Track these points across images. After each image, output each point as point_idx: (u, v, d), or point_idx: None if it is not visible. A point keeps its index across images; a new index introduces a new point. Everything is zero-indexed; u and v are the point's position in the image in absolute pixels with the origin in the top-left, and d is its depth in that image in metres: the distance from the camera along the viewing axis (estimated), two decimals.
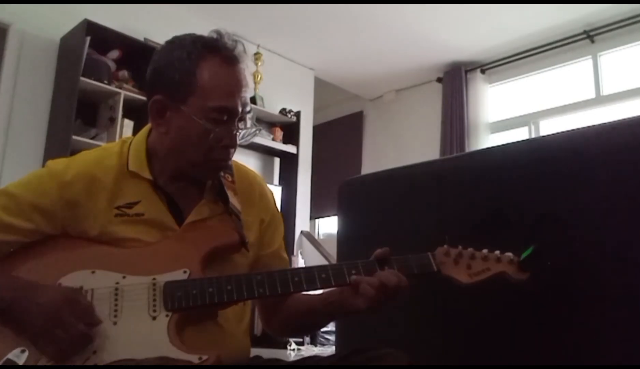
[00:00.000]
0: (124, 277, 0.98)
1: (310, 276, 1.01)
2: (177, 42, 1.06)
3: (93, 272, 0.98)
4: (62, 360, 0.90)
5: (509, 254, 1.06)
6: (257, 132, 1.16)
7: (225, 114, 1.02)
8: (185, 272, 0.99)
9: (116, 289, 0.96)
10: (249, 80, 1.11)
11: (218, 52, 1.03)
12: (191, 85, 1.01)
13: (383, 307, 1.01)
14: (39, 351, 0.91)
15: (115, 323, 0.94)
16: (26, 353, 0.90)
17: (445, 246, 1.07)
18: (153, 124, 1.08)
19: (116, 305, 0.95)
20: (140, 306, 0.95)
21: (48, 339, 0.90)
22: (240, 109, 1.04)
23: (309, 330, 1.12)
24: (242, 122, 1.07)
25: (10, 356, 0.89)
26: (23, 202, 1.00)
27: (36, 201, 1.01)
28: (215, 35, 1.05)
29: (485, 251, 1.07)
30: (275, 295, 1.02)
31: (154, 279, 0.98)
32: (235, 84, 1.04)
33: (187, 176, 1.08)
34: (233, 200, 1.11)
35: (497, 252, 1.07)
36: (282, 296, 1.13)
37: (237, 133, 1.05)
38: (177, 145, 1.04)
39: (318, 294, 1.12)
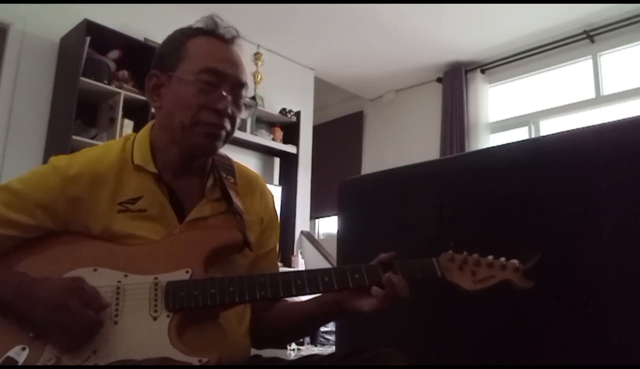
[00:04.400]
0: (125, 276, 0.97)
1: (313, 279, 1.00)
2: (178, 30, 1.12)
3: (95, 270, 0.97)
4: (77, 348, 0.90)
5: (515, 261, 1.04)
6: (255, 107, 1.20)
7: (216, 76, 1.05)
8: (187, 272, 0.99)
9: (118, 288, 0.96)
10: (249, 77, 1.13)
11: (211, 33, 1.09)
12: (181, 54, 1.06)
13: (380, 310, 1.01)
14: (49, 344, 0.90)
15: (116, 323, 0.93)
16: (27, 351, 0.89)
17: (450, 252, 1.05)
18: (149, 101, 1.11)
19: (117, 304, 0.95)
20: (142, 305, 0.95)
21: (59, 330, 0.90)
22: (231, 73, 1.06)
23: (301, 335, 1.11)
24: (240, 99, 1.09)
25: (10, 353, 0.88)
26: (25, 198, 1.00)
27: (39, 196, 1.00)
28: (210, 20, 1.10)
29: (490, 257, 1.05)
30: (277, 298, 1.01)
31: (155, 278, 0.97)
32: (226, 55, 1.08)
33: (189, 163, 1.09)
34: (236, 200, 1.11)
35: (503, 259, 1.05)
36: (283, 299, 1.13)
37: (229, 98, 1.06)
38: (169, 112, 1.06)
39: (310, 297, 1.12)
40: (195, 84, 1.03)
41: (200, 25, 1.10)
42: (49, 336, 0.91)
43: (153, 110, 1.13)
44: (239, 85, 1.08)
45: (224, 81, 1.05)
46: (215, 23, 1.09)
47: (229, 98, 1.06)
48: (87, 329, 0.90)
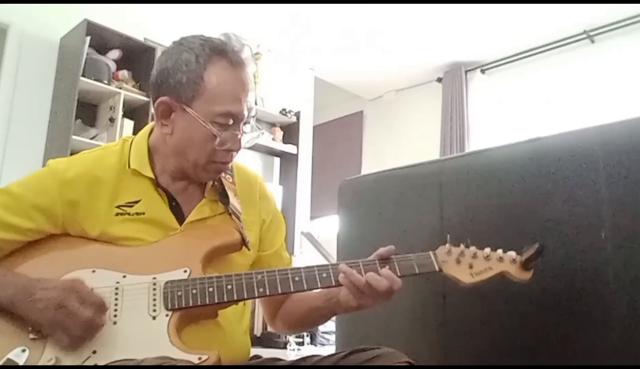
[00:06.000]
0: (124, 276, 0.98)
1: (311, 275, 1.02)
2: (185, 44, 1.06)
3: (93, 271, 0.98)
4: (77, 347, 0.90)
5: (512, 253, 1.05)
6: (260, 135, 1.19)
7: (231, 118, 1.04)
8: (185, 271, 0.99)
9: (116, 288, 0.97)
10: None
11: (225, 55, 1.04)
12: (198, 89, 1.02)
13: (375, 305, 1.02)
14: (49, 344, 0.90)
15: (115, 323, 0.94)
16: (27, 353, 0.90)
17: (447, 245, 1.06)
18: (158, 125, 1.08)
19: (116, 304, 0.95)
20: (141, 305, 0.95)
21: (59, 329, 0.90)
22: (245, 114, 1.06)
23: (313, 325, 1.15)
24: (247, 126, 1.08)
25: (10, 355, 0.89)
26: (24, 201, 1.00)
27: (37, 199, 1.01)
28: (223, 39, 1.06)
29: (487, 249, 1.06)
30: (276, 294, 1.02)
31: (154, 278, 0.98)
32: (241, 89, 1.05)
33: (188, 175, 1.08)
34: (233, 200, 1.12)
35: (500, 251, 1.06)
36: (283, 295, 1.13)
37: (241, 137, 1.07)
38: (181, 146, 1.05)
39: (321, 291, 1.13)
40: (212, 127, 1.02)
41: (215, 43, 1.05)
42: (49, 335, 0.91)
43: (157, 127, 1.10)
44: (250, 115, 1.09)
45: (239, 121, 1.06)
46: (229, 39, 1.06)
47: (242, 134, 1.07)
48: (86, 328, 0.91)
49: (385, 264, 1.03)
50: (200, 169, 1.06)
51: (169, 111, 1.05)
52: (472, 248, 1.06)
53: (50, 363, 0.89)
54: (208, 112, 1.02)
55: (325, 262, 4.56)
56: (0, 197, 1.01)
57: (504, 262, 1.04)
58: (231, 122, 1.04)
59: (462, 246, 1.06)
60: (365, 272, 1.02)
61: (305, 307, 1.17)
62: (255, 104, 4.65)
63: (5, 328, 0.92)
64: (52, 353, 0.90)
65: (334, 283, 1.02)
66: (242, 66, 1.06)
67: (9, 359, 0.88)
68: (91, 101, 3.77)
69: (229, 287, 0.98)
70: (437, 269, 1.05)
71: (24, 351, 0.90)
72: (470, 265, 1.04)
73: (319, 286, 1.02)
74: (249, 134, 1.10)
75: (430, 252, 1.07)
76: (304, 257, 5.00)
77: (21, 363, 0.88)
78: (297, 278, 1.01)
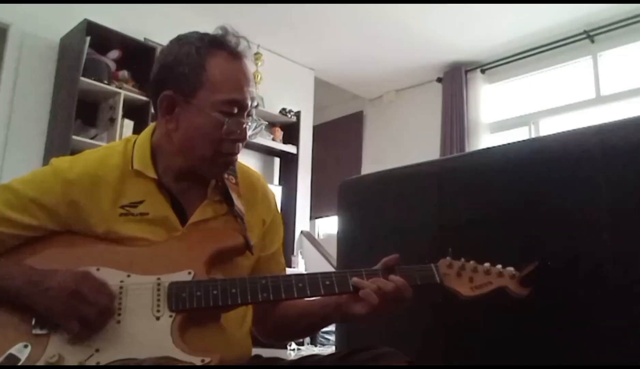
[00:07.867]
0: (128, 276, 0.98)
1: (314, 282, 1.02)
2: (183, 39, 1.07)
3: (98, 269, 0.98)
4: (90, 334, 0.91)
5: (511, 269, 1.07)
6: (263, 126, 1.19)
7: (236, 106, 1.03)
8: (189, 273, 0.99)
9: (121, 287, 0.96)
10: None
11: (225, 47, 1.05)
12: (201, 79, 1.02)
13: (385, 315, 1.02)
14: (55, 336, 0.90)
15: (118, 322, 0.94)
16: (29, 348, 0.89)
17: (447, 258, 1.08)
18: (162, 120, 1.08)
19: (120, 304, 0.95)
20: (145, 305, 0.95)
21: (71, 316, 0.90)
22: (249, 103, 1.06)
23: (303, 334, 1.13)
24: (250, 117, 1.08)
25: (12, 350, 0.88)
26: (26, 198, 1.00)
27: (39, 197, 1.01)
28: (220, 32, 1.07)
29: (487, 264, 1.07)
30: (279, 300, 1.02)
31: (158, 279, 0.98)
32: (243, 78, 1.06)
33: (193, 174, 1.08)
34: (237, 202, 1.11)
35: (499, 266, 1.07)
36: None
37: (247, 126, 1.06)
38: (187, 140, 1.04)
39: (317, 299, 1.12)
40: (217, 116, 1.02)
41: (213, 35, 1.06)
42: (59, 324, 0.91)
43: (161, 123, 1.09)
44: (253, 105, 1.09)
45: (243, 109, 1.05)
46: (227, 32, 1.07)
47: (247, 123, 1.07)
48: (99, 314, 0.91)
49: (388, 274, 1.04)
50: (208, 163, 1.06)
51: (172, 106, 1.05)
52: (472, 262, 1.08)
53: (53, 360, 0.88)
54: (212, 101, 1.02)
55: (324, 261, 4.52)
56: (2, 193, 1.01)
57: (504, 277, 1.06)
58: (235, 110, 1.03)
59: (462, 259, 1.08)
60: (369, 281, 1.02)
61: (297, 314, 1.16)
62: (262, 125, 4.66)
63: (8, 322, 0.92)
64: (55, 349, 0.90)
65: (337, 291, 1.02)
66: (241, 57, 1.07)
67: (11, 355, 0.88)
68: (91, 101, 3.77)
69: (233, 291, 0.98)
70: (438, 281, 1.06)
71: (26, 346, 0.89)
72: (471, 279, 1.06)
73: (322, 293, 1.02)
74: (255, 122, 1.10)
75: (432, 265, 1.08)
76: (304, 257, 5.01)
77: (23, 358, 0.88)
78: (300, 284, 1.01)
